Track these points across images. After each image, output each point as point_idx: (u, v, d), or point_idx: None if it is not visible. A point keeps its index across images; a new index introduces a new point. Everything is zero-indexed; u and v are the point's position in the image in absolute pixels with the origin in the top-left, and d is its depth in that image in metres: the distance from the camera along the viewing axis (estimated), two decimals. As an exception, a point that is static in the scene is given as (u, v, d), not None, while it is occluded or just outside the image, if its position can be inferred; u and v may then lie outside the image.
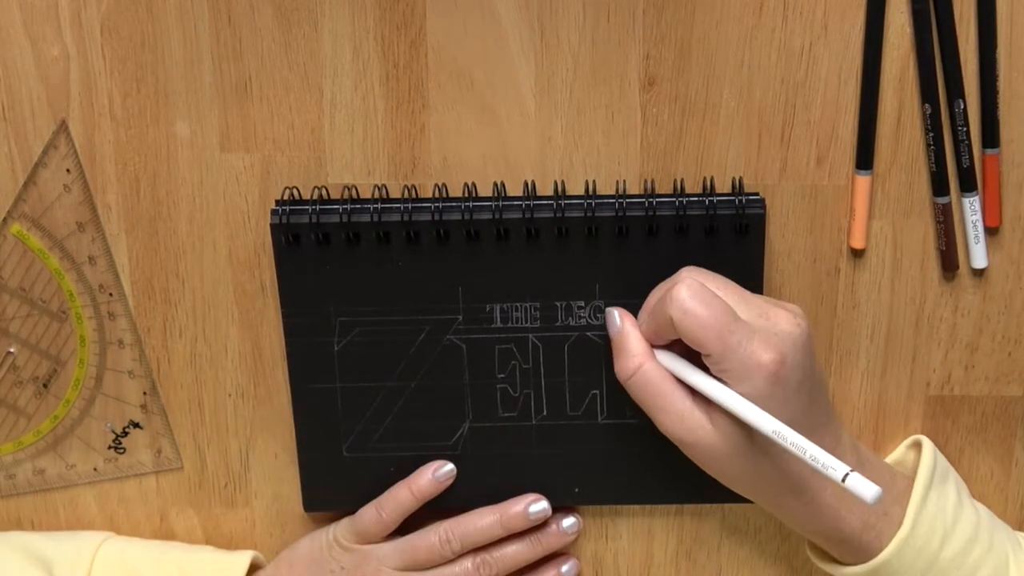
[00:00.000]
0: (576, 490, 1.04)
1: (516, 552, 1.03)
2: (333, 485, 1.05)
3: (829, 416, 0.95)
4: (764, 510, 0.97)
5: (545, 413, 1.02)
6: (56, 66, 0.96)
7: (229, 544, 1.09)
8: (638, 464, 1.03)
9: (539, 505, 1.03)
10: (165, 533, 1.09)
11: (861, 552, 0.95)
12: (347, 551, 1.03)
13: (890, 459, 1.03)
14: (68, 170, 0.98)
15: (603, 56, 0.95)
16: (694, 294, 0.89)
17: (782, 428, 0.86)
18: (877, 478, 0.92)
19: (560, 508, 1.05)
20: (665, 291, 0.91)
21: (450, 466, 1.03)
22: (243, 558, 1.05)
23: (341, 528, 1.04)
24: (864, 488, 0.83)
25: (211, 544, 1.09)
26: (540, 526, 1.04)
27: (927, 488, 0.96)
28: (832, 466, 0.84)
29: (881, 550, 0.94)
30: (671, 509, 1.07)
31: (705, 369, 0.91)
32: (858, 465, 0.94)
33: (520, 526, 1.03)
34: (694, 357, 0.92)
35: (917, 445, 1.02)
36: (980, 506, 0.99)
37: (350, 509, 1.05)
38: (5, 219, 0.99)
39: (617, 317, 0.96)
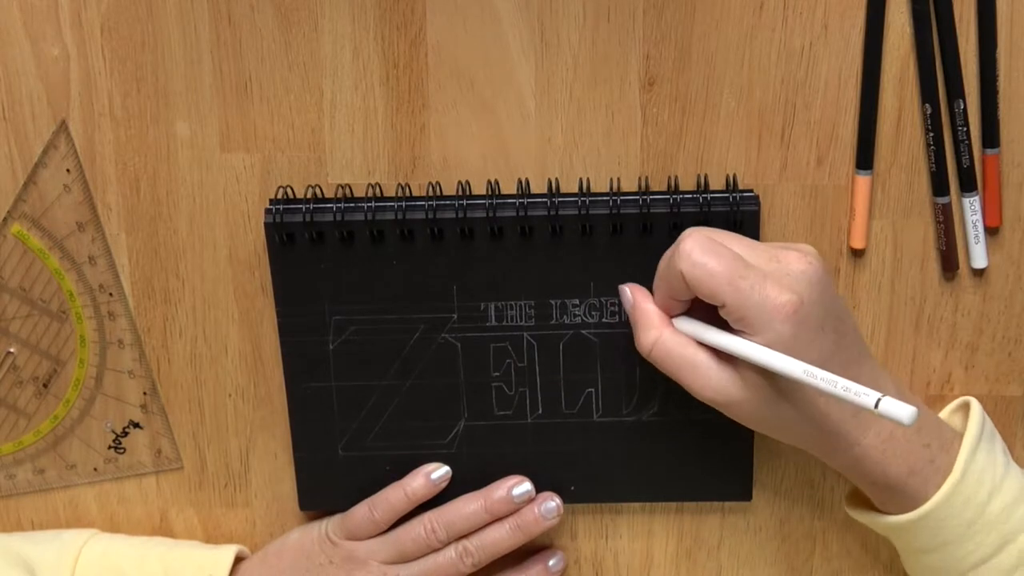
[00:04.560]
0: (572, 488, 1.04)
1: (497, 539, 1.02)
2: (329, 484, 1.05)
3: (862, 350, 0.93)
4: (764, 507, 0.97)
5: (541, 411, 1.02)
6: (56, 66, 0.96)
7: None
8: (634, 462, 1.03)
9: (522, 487, 1.02)
10: (165, 533, 1.09)
11: (907, 500, 0.94)
12: (337, 546, 1.03)
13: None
14: (68, 170, 0.98)
15: (603, 56, 0.95)
16: (701, 245, 0.87)
17: (807, 368, 0.85)
18: (924, 422, 0.92)
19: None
20: (672, 250, 0.91)
21: (445, 468, 1.03)
22: (227, 553, 1.05)
23: (333, 524, 1.04)
24: (899, 410, 0.81)
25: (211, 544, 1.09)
26: (520, 512, 1.03)
27: (977, 440, 0.94)
28: (863, 393, 0.82)
29: (927, 499, 0.93)
30: (671, 508, 1.07)
31: (724, 329, 0.90)
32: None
33: (505, 510, 1.02)
34: (713, 321, 0.91)
35: (964, 407, 1.00)
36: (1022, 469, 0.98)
37: (346, 508, 1.05)
38: (5, 219, 0.99)
39: (629, 293, 0.95)
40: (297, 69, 0.96)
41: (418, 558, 1.02)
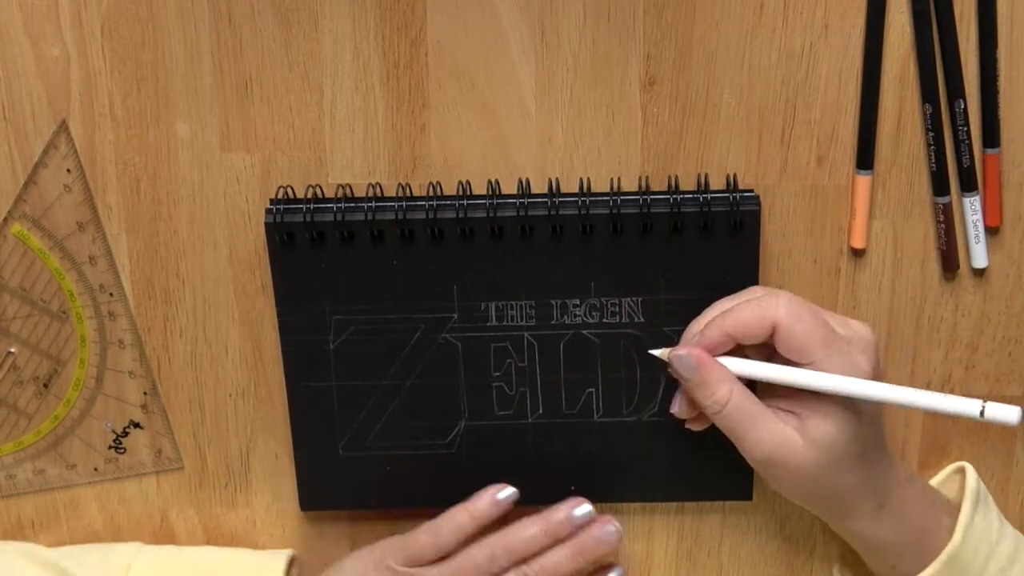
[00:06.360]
0: (572, 488, 1.03)
1: (557, 563, 1.00)
2: (329, 484, 1.05)
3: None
4: (765, 507, 0.97)
5: (541, 411, 1.02)
6: (56, 66, 0.96)
7: (230, 544, 1.09)
8: (634, 462, 1.03)
9: (582, 509, 1.01)
10: (165, 533, 1.09)
11: (911, 565, 0.95)
12: (397, 574, 1.01)
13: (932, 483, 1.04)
14: (68, 170, 0.98)
15: (603, 56, 0.95)
16: (798, 302, 0.89)
17: (899, 388, 0.88)
18: (923, 496, 0.96)
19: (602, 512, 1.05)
20: (755, 300, 0.91)
21: (512, 490, 1.01)
22: (279, 560, 1.04)
23: (390, 549, 1.02)
24: (1005, 412, 0.85)
25: (211, 544, 1.09)
26: (579, 536, 1.01)
27: (974, 506, 0.96)
28: (966, 402, 0.86)
29: (927, 565, 0.94)
30: (671, 508, 1.07)
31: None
32: (907, 481, 0.96)
33: (565, 532, 1.01)
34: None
35: (960, 472, 1.02)
36: (1015, 530, 1.00)
37: (346, 508, 1.06)
38: (5, 219, 0.99)
39: (689, 355, 0.92)
40: (297, 69, 0.96)
41: None
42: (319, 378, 1.01)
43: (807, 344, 0.88)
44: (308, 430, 1.03)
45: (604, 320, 0.99)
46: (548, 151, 0.97)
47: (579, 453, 1.03)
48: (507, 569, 1.00)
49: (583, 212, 0.95)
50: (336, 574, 1.04)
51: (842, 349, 0.89)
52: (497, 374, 1.01)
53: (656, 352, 0.97)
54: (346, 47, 0.96)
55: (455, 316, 0.99)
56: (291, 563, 1.06)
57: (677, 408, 0.96)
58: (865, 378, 0.89)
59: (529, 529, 1.01)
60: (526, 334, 0.99)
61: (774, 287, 0.99)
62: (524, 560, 1.01)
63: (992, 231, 0.98)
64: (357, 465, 1.04)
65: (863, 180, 0.97)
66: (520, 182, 0.97)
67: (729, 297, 0.95)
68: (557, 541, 1.01)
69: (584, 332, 0.99)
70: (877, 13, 0.93)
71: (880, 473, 0.93)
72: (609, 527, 1.01)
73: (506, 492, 1.01)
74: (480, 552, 1.00)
